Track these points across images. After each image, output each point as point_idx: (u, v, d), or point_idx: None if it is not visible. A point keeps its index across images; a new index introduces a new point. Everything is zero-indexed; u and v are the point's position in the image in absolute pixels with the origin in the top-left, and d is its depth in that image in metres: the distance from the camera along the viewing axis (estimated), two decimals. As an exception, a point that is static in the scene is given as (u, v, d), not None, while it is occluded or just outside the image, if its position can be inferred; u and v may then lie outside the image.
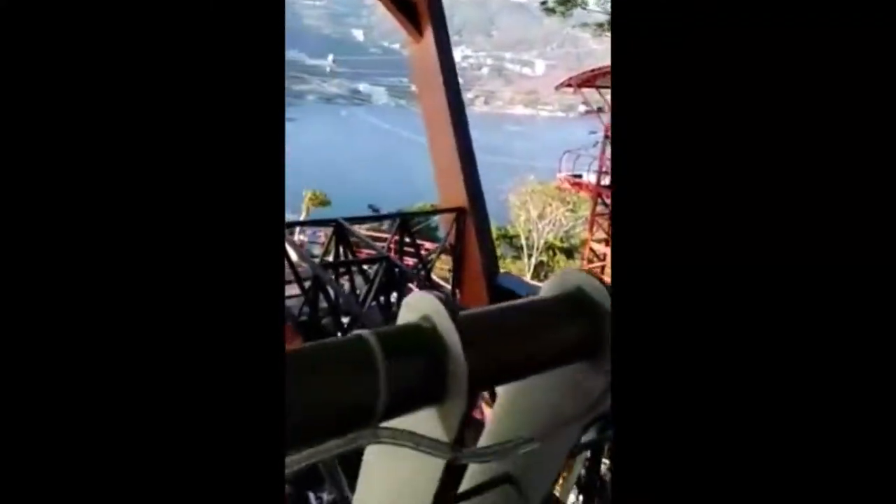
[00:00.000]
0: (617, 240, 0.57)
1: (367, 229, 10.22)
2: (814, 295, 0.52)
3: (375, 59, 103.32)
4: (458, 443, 0.68)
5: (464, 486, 0.97)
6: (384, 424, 0.65)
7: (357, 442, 0.63)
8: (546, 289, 0.86)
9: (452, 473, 0.72)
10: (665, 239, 0.55)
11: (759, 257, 0.53)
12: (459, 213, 6.52)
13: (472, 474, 1.03)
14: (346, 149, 62.69)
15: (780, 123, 0.53)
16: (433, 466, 0.71)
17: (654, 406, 0.54)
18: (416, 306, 0.72)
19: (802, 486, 0.50)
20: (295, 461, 0.58)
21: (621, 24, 0.57)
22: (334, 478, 4.83)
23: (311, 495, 5.81)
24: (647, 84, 0.56)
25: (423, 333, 0.69)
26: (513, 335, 0.77)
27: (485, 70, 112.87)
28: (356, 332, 0.65)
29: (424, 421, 0.69)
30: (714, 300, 0.53)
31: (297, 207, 17.94)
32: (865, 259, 0.51)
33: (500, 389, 0.96)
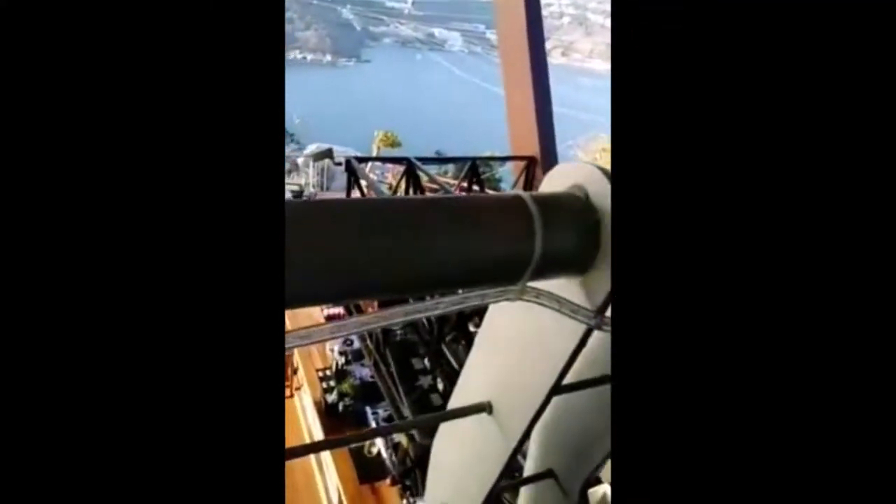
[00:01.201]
0: (617, 238, 0.57)
1: (434, 174, 10.24)
2: (819, 294, 0.50)
3: (453, 1, 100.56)
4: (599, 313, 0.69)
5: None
6: (531, 284, 0.67)
7: (503, 296, 0.64)
8: None
9: (584, 342, 0.74)
10: (665, 235, 0.54)
11: (758, 253, 0.52)
12: (530, 161, 6.42)
13: (574, 373, 1.05)
14: (418, 93, 62.21)
15: (781, 119, 0.52)
16: (569, 332, 0.73)
17: (654, 406, 0.54)
18: (567, 175, 0.71)
19: (802, 485, 0.50)
20: (446, 303, 0.61)
21: (622, 22, 0.56)
22: (391, 395, 5.05)
23: (368, 410, 6.11)
24: (648, 79, 0.55)
25: (577, 202, 0.69)
26: None
27: (565, 20, 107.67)
28: (514, 191, 0.66)
29: (565, 287, 0.71)
30: (716, 299, 0.53)
31: (368, 147, 18.12)
32: (869, 259, 0.49)
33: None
